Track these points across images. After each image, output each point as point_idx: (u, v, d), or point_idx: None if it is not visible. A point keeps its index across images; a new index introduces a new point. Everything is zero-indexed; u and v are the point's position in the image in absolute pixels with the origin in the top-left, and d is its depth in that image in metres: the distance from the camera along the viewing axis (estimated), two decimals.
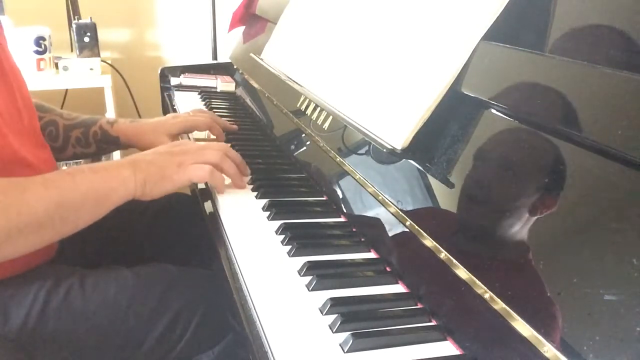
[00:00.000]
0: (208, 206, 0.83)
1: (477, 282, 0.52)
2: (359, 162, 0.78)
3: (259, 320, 0.55)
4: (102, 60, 1.84)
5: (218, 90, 1.48)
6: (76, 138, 1.01)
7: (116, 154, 1.65)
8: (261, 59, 1.20)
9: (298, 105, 0.99)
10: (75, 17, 1.91)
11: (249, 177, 0.88)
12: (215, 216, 0.79)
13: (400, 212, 0.66)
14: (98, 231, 1.01)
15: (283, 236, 0.70)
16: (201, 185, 0.90)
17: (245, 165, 0.88)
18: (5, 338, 0.72)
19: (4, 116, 0.76)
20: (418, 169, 0.67)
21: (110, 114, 1.81)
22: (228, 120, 1.19)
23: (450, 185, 0.61)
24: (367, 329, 0.53)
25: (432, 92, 0.65)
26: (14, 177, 0.68)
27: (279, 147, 1.05)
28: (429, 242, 0.59)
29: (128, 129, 1.03)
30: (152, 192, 0.76)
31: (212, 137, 1.07)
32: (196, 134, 1.11)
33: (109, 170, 0.74)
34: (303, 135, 0.96)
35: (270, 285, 0.61)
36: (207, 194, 0.86)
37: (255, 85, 1.29)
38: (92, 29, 1.81)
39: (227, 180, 0.85)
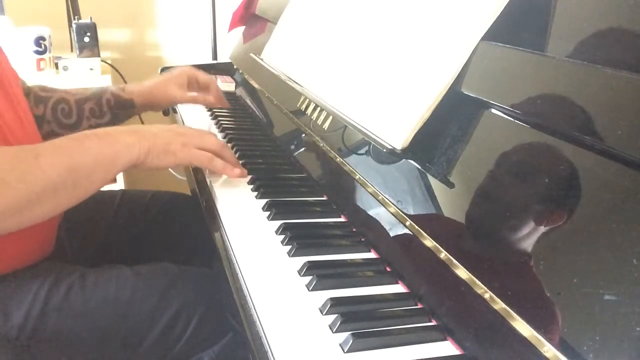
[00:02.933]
0: (208, 206, 0.83)
1: (477, 282, 0.52)
2: (359, 162, 0.78)
3: (259, 320, 0.55)
4: (102, 60, 1.83)
5: None
6: (90, 110, 1.03)
7: None
8: (261, 59, 1.20)
9: (298, 105, 0.99)
10: (75, 17, 1.90)
11: (249, 177, 0.89)
12: (215, 216, 0.79)
13: (400, 212, 0.66)
14: (99, 230, 1.01)
15: (283, 236, 0.70)
16: (201, 185, 0.90)
17: (238, 163, 0.90)
18: (6, 337, 0.72)
19: (10, 125, 0.77)
20: (418, 169, 0.67)
21: None
22: (227, 120, 1.19)
23: (450, 185, 0.61)
24: (367, 329, 0.53)
25: (432, 92, 0.65)
26: (25, 145, 0.69)
27: (279, 147, 1.05)
28: (429, 242, 0.59)
29: (140, 88, 1.06)
30: (153, 162, 0.78)
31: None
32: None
33: (113, 135, 0.75)
34: (303, 135, 0.96)
35: (270, 285, 0.61)
36: (207, 193, 0.87)
37: (255, 85, 1.29)
38: (92, 29, 1.80)
39: (230, 185, 0.86)
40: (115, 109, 1.04)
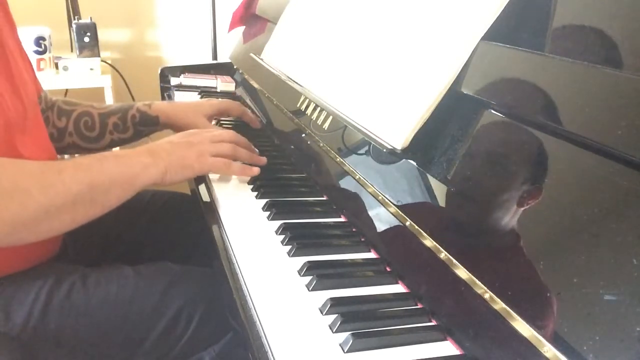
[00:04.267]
0: (208, 206, 0.83)
1: (477, 282, 0.52)
2: (359, 162, 0.78)
3: (259, 320, 0.55)
4: (102, 60, 1.84)
5: (218, 90, 1.48)
6: (114, 124, 1.04)
7: None
8: (261, 59, 1.20)
9: (298, 105, 0.99)
10: (75, 17, 1.90)
11: (249, 177, 0.89)
12: (215, 216, 0.79)
13: (400, 212, 0.66)
14: (100, 230, 1.02)
15: (283, 236, 0.70)
16: (202, 188, 0.91)
17: (252, 146, 0.93)
18: (8, 336, 0.72)
19: (11, 114, 0.77)
20: (418, 169, 0.67)
21: None
22: (227, 120, 1.20)
23: (450, 185, 0.61)
24: (367, 329, 0.53)
25: (432, 92, 0.65)
26: (49, 160, 0.71)
27: (279, 147, 1.05)
28: (429, 242, 0.60)
29: (167, 108, 1.07)
30: (172, 179, 0.79)
31: None
32: None
33: (131, 157, 0.77)
34: (303, 135, 0.96)
35: (270, 285, 0.61)
36: (207, 193, 0.87)
37: (255, 85, 1.29)
38: (92, 29, 1.81)
39: (230, 185, 0.86)
40: (139, 125, 1.05)
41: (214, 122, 1.18)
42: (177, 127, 1.06)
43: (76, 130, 1.02)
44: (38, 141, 0.84)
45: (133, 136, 1.06)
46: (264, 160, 0.91)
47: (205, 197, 0.87)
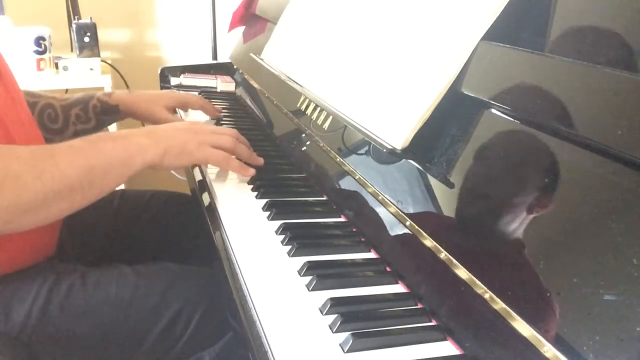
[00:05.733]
0: (208, 206, 0.83)
1: (477, 282, 0.52)
2: (359, 162, 0.78)
3: (259, 320, 0.55)
4: (102, 60, 1.83)
5: (218, 90, 1.48)
6: (76, 115, 1.04)
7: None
8: (261, 59, 1.20)
9: (298, 105, 0.99)
10: (75, 17, 1.90)
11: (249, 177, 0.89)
12: (215, 216, 0.79)
13: (400, 212, 0.66)
14: (99, 229, 1.02)
15: (283, 236, 0.70)
16: (201, 185, 0.90)
17: (250, 147, 0.92)
18: (7, 335, 0.72)
19: (13, 124, 0.77)
20: (418, 169, 0.67)
21: None
22: (227, 120, 1.20)
23: (450, 185, 0.61)
24: (367, 329, 0.53)
25: (432, 92, 0.65)
26: (41, 144, 0.69)
27: (279, 147, 1.05)
28: (429, 242, 0.59)
29: (127, 97, 1.08)
30: (170, 163, 0.78)
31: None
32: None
33: (127, 138, 0.76)
34: (303, 135, 0.96)
35: (270, 285, 0.61)
36: (207, 193, 0.87)
37: (255, 85, 1.29)
38: (92, 29, 1.80)
39: (230, 185, 0.86)
40: (101, 115, 1.06)
41: (214, 122, 1.18)
42: (137, 116, 1.08)
43: (40, 122, 1.01)
44: (27, 128, 0.84)
45: (96, 126, 1.06)
46: (261, 160, 0.91)
47: (205, 197, 0.87)
